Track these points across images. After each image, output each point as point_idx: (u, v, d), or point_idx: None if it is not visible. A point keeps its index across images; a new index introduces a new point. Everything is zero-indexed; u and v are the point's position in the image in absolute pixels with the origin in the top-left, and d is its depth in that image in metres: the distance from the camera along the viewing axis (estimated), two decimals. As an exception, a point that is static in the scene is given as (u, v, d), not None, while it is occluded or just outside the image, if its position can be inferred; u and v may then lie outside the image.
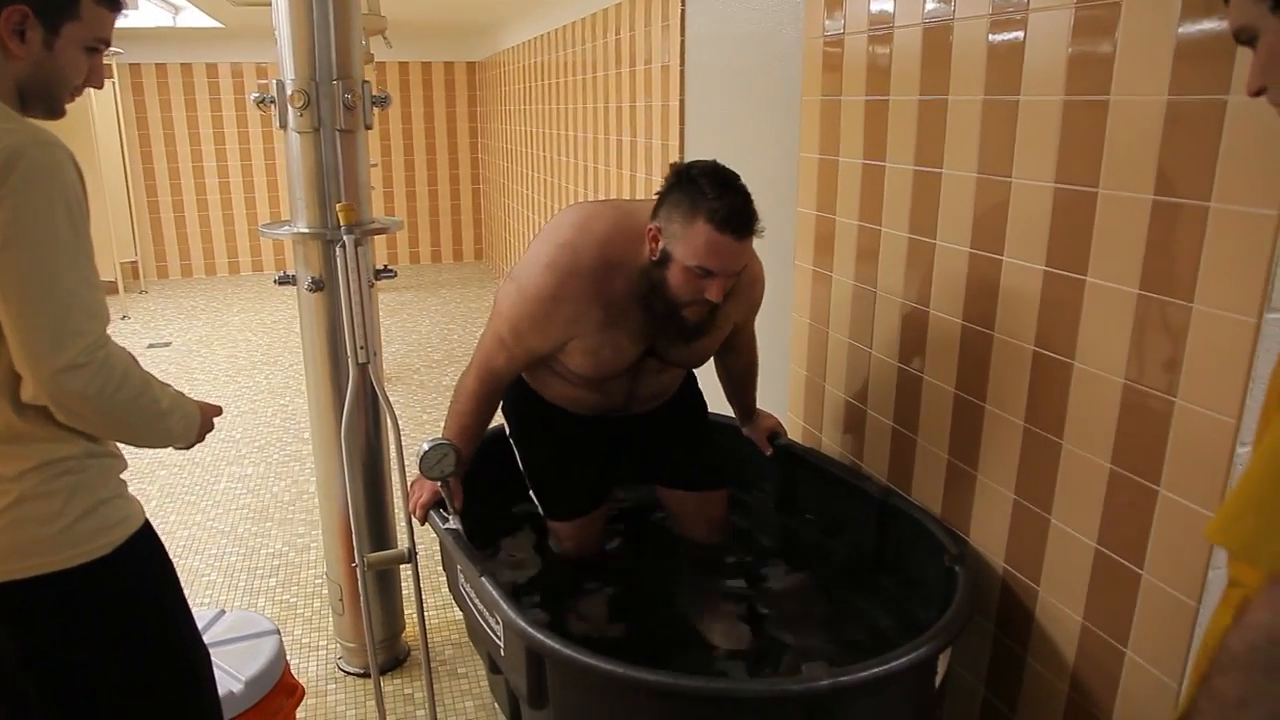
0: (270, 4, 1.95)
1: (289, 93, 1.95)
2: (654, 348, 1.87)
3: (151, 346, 5.72)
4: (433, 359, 5.39)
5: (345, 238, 1.88)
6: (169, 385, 1.31)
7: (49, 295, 1.10)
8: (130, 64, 7.28)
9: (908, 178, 1.92)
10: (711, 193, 1.62)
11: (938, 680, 1.55)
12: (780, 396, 2.56)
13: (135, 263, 7.29)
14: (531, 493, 2.09)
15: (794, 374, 2.49)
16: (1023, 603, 1.70)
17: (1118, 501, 1.47)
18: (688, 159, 3.22)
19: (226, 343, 5.82)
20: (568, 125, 4.95)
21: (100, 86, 1.31)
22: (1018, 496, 1.69)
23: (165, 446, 1.34)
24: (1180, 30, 1.29)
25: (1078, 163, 1.48)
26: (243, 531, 3.23)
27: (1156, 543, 1.40)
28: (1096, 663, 1.54)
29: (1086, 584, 1.54)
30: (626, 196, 3.97)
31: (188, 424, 1.33)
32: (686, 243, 1.64)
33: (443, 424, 1.99)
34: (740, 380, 2.22)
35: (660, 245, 1.68)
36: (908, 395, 1.99)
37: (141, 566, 1.32)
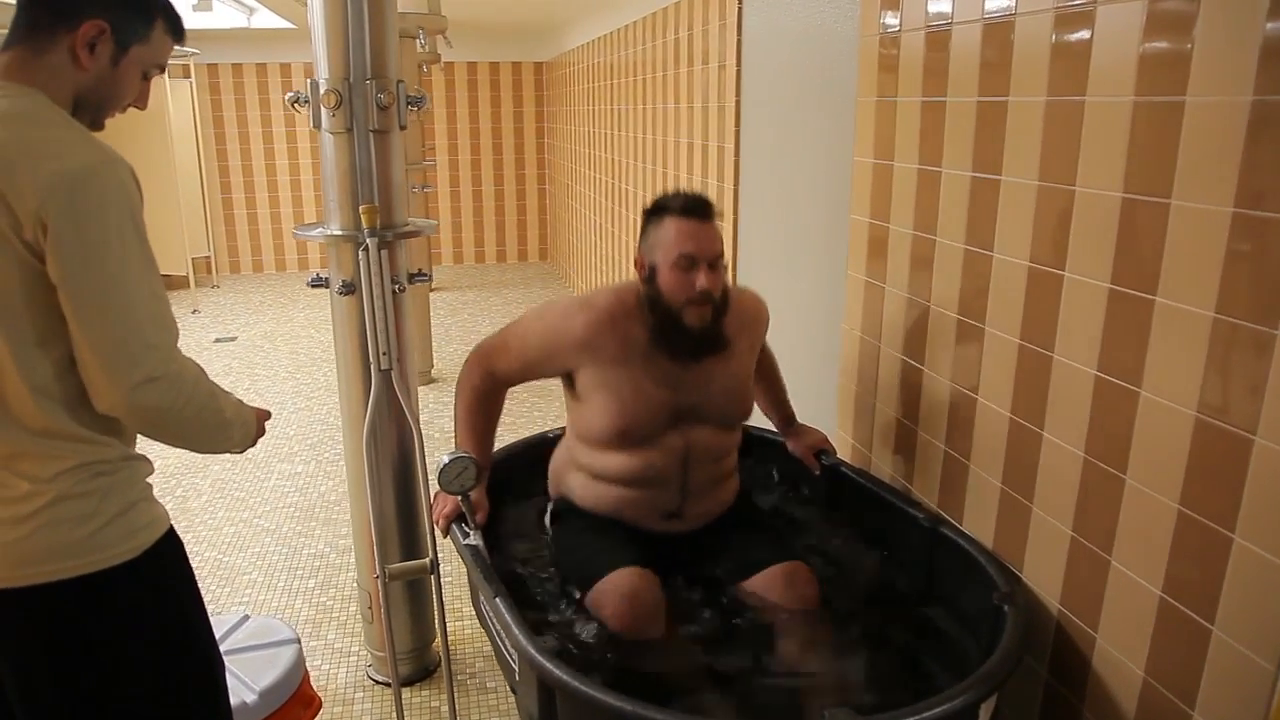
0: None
1: (322, 92, 1.90)
2: (684, 400, 1.85)
3: (218, 341, 5.83)
4: (489, 359, 5.37)
5: (368, 240, 1.83)
6: (230, 393, 1.33)
7: (126, 311, 1.13)
8: (207, 64, 7.46)
9: (964, 184, 1.79)
10: (669, 198, 1.85)
11: (980, 732, 1.43)
12: (829, 412, 2.44)
13: (208, 258, 7.47)
14: (566, 578, 1.88)
15: (843, 389, 2.37)
16: (1079, 649, 1.56)
17: (1186, 547, 1.32)
18: (742, 162, 3.15)
19: (289, 338, 5.90)
20: (629, 126, 4.88)
21: (144, 108, 1.34)
22: (1075, 534, 1.55)
23: (225, 453, 1.38)
24: (1268, 26, 1.15)
25: (1148, 170, 1.34)
26: (287, 531, 3.24)
27: (1230, 596, 1.25)
28: (1159, 722, 1.40)
29: (1150, 635, 1.40)
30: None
31: (246, 431, 1.37)
32: (662, 243, 1.81)
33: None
34: (768, 375, 2.19)
35: (646, 262, 1.84)
36: (961, 418, 1.86)
37: (167, 570, 1.31)
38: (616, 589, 1.69)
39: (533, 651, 1.43)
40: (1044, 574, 1.64)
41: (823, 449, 2.17)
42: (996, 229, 1.70)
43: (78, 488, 1.19)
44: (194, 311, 6.56)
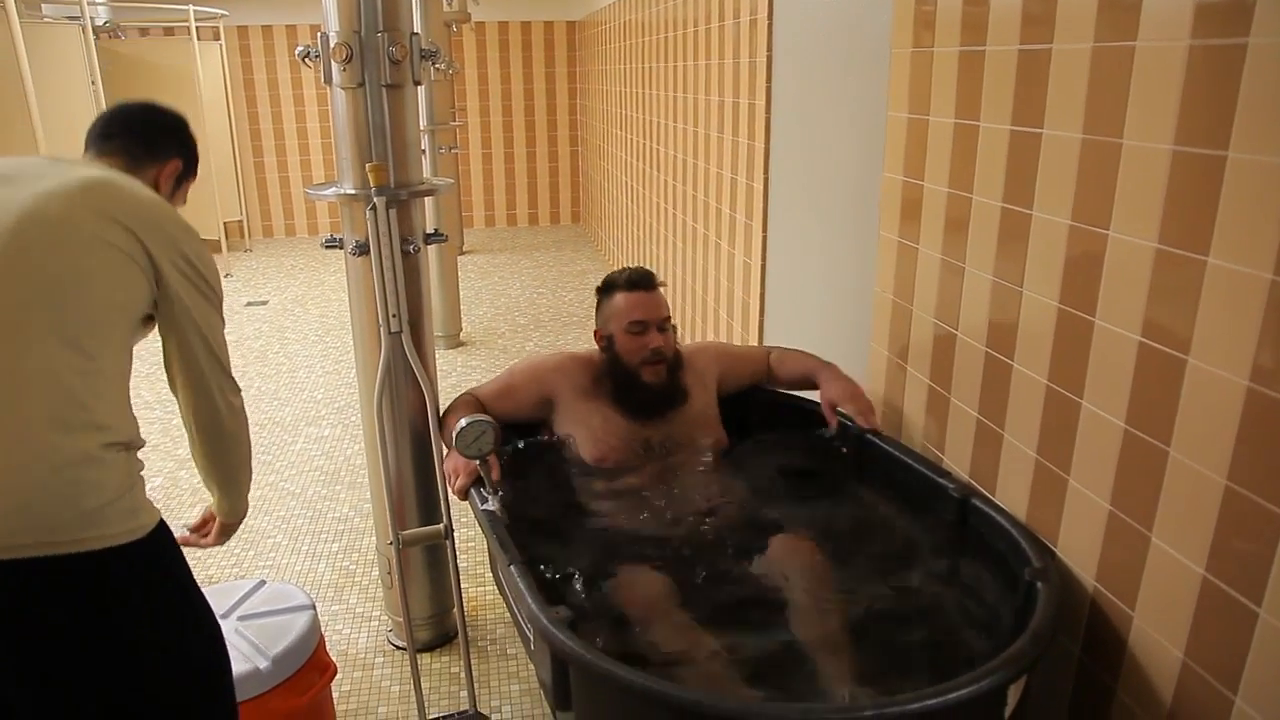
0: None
1: (331, 45, 1.85)
2: (653, 435, 2.03)
3: (249, 305, 5.86)
4: (518, 323, 5.35)
5: (375, 199, 1.78)
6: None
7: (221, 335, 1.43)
8: (236, 26, 7.44)
9: (1003, 139, 1.70)
10: (616, 275, 2.15)
11: (1007, 712, 1.37)
12: (858, 377, 2.36)
13: (240, 221, 7.49)
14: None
15: (874, 353, 2.30)
16: (1115, 628, 1.49)
17: (1233, 525, 1.24)
18: (773, 119, 3.05)
19: (319, 302, 5.91)
20: (660, 85, 4.78)
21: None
22: (1114, 508, 1.47)
23: (240, 492, 1.64)
24: (1341, -45, 1.05)
25: (1203, 120, 1.25)
26: (312, 494, 3.24)
27: None
28: (1199, 708, 1.33)
29: (1191, 616, 1.33)
30: (715, 160, 3.80)
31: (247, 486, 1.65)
32: (615, 314, 2.09)
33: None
34: (782, 376, 2.27)
35: (604, 334, 2.12)
36: (995, 384, 1.78)
37: (170, 550, 1.33)
38: (630, 585, 1.67)
39: (546, 622, 1.39)
40: (1079, 549, 1.57)
41: (836, 403, 2.12)
42: (1036, 186, 1.61)
43: (109, 458, 1.22)
44: (226, 275, 6.59)
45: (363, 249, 1.96)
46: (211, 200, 6.55)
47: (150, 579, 1.26)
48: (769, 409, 2.30)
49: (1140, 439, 1.40)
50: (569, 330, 5.18)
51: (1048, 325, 1.60)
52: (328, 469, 3.45)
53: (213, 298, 1.39)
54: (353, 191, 1.95)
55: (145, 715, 1.27)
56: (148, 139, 1.49)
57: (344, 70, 1.86)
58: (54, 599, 1.17)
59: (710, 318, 3.94)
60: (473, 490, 1.84)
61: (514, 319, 5.44)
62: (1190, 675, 1.34)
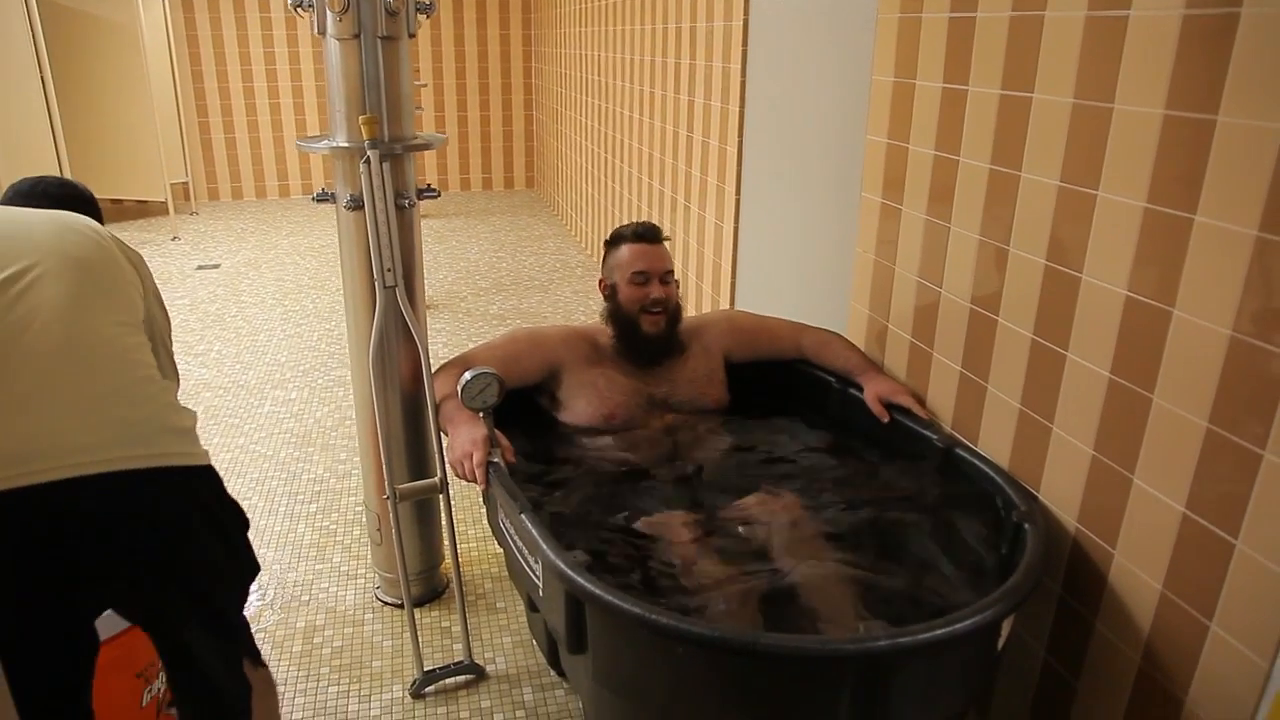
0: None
1: (329, -4, 1.84)
2: (656, 391, 2.12)
3: (200, 268, 5.74)
4: (480, 287, 5.33)
5: (369, 152, 1.78)
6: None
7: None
8: (181, -21, 7.20)
9: (992, 103, 1.77)
10: (623, 228, 2.21)
11: (1000, 644, 1.46)
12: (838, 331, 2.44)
13: (186, 184, 7.30)
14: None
15: (855, 312, 2.37)
16: (1095, 565, 1.59)
17: (1214, 464, 1.34)
18: (749, 86, 3.09)
19: (275, 265, 5.81)
20: (624, 48, 4.77)
21: None
22: (1097, 453, 1.57)
23: None
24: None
25: (1195, 86, 1.32)
26: (285, 456, 3.23)
27: (1257, 511, 1.28)
28: (1175, 634, 1.43)
29: (1170, 551, 1.43)
30: (684, 124, 3.83)
31: None
32: (619, 264, 2.18)
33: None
34: (824, 355, 2.28)
35: (608, 283, 2.20)
36: (980, 339, 1.86)
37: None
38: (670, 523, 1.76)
39: (563, 565, 1.44)
40: (1062, 493, 1.66)
41: (893, 400, 2.05)
42: (1026, 148, 1.68)
43: (173, 393, 1.47)
44: (173, 239, 6.43)
45: (356, 203, 1.96)
46: (157, 161, 6.37)
47: (224, 493, 1.45)
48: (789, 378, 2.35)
49: (1124, 387, 1.49)
50: (531, 294, 5.19)
51: (1034, 281, 1.68)
52: (298, 431, 3.43)
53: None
54: (346, 145, 1.94)
55: (229, 607, 1.46)
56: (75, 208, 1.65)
57: (340, 20, 1.85)
58: (175, 502, 1.33)
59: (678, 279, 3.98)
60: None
61: (475, 283, 5.42)
62: (1168, 605, 1.44)
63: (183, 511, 1.34)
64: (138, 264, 1.55)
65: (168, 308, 1.67)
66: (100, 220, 1.65)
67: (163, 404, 1.38)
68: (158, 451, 1.31)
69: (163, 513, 1.31)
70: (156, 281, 1.62)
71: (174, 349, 1.67)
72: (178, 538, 1.33)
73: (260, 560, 1.55)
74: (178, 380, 1.65)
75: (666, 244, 2.22)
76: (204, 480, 1.39)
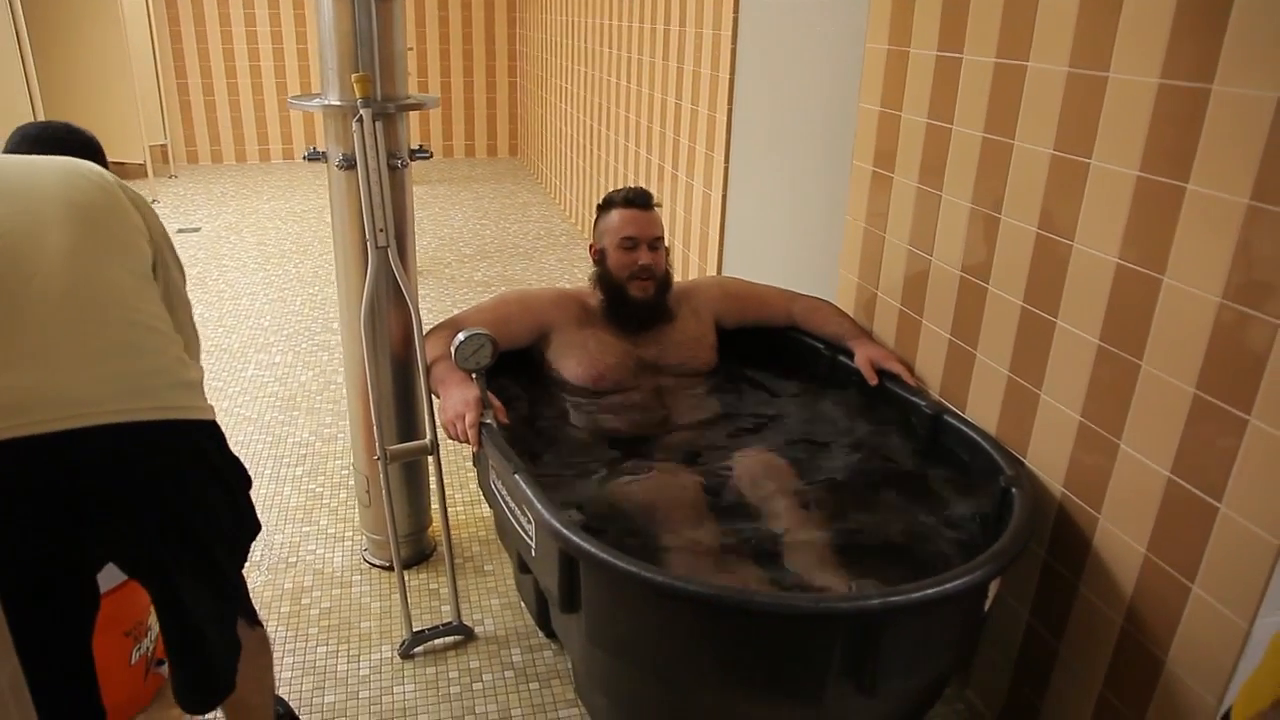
0: None
1: (321, -49, 1.80)
2: (645, 354, 2.12)
3: (181, 231, 5.66)
4: (464, 254, 5.30)
5: (362, 111, 1.76)
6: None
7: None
8: (159, -65, 7.04)
9: (987, 71, 1.77)
10: (614, 193, 2.21)
11: (987, 604, 1.48)
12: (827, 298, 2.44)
13: (165, 146, 7.18)
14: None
15: (844, 280, 2.38)
16: (1080, 529, 1.62)
17: (1200, 429, 1.36)
18: (740, 53, 3.07)
19: (256, 230, 5.75)
20: (609, 13, 4.72)
21: None
22: (1084, 419, 1.59)
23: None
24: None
25: (1190, 55, 1.33)
26: (269, 420, 3.21)
27: (1240, 475, 1.30)
28: (1158, 596, 1.46)
29: (1154, 514, 1.45)
30: (673, 91, 3.81)
31: None
32: (609, 229, 2.16)
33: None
34: (813, 321, 2.29)
35: (598, 248, 2.19)
36: (969, 307, 1.88)
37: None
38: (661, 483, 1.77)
39: (558, 524, 1.44)
40: (1048, 458, 1.69)
41: (883, 365, 2.07)
42: (1020, 115, 1.69)
43: (180, 348, 1.42)
44: (153, 201, 6.34)
45: (349, 162, 1.94)
46: (136, 123, 6.26)
47: (227, 449, 1.44)
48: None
49: (1113, 354, 1.51)
50: (516, 261, 5.16)
51: (1025, 249, 1.70)
52: (283, 395, 3.41)
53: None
54: (339, 103, 1.92)
55: (228, 563, 1.45)
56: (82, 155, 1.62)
57: (334, -23, 1.82)
58: (177, 455, 1.32)
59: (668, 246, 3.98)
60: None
61: (459, 249, 5.39)
62: (1151, 567, 1.47)
63: (185, 465, 1.33)
64: (144, 211, 1.52)
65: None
66: (106, 167, 1.62)
67: (169, 357, 1.36)
68: (161, 404, 1.30)
69: (164, 464, 1.30)
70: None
71: None
72: (179, 489, 1.33)
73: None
74: (195, 335, 1.62)
75: (657, 210, 2.22)
76: (207, 434, 1.38)
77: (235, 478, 1.44)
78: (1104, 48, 1.48)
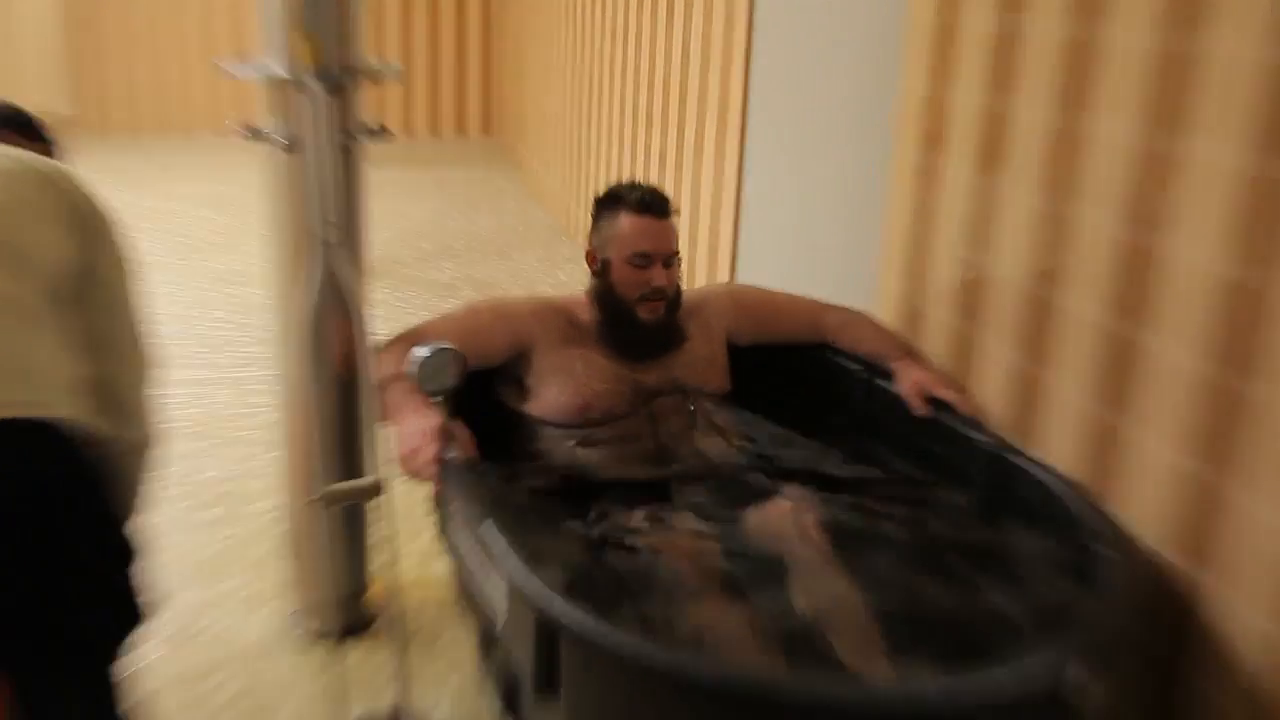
0: None
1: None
2: (645, 380, 2.07)
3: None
4: (424, 251, 5.29)
5: (311, 82, 1.73)
6: None
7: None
8: None
9: (1053, 40, 1.74)
10: (624, 191, 2.10)
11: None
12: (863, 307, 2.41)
13: (69, 117, 7.15)
14: None
15: (883, 289, 2.36)
16: (1182, 599, 1.57)
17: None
18: (757, 24, 3.05)
19: (173, 217, 5.76)
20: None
21: None
22: (1188, 458, 1.54)
23: None
24: None
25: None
26: (178, 451, 3.09)
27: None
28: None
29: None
30: (676, 59, 3.80)
31: None
32: (617, 238, 2.06)
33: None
34: (848, 337, 2.26)
35: (598, 257, 2.10)
36: (1036, 322, 1.85)
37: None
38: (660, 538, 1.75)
39: (536, 587, 1.39)
40: (1142, 508, 1.63)
41: (934, 392, 2.03)
42: (1097, 86, 1.66)
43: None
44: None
45: (295, 144, 1.91)
46: (25, 89, 6.23)
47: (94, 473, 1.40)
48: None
49: (1224, 383, 1.47)
50: (486, 260, 5.15)
51: (1107, 251, 1.68)
52: (197, 419, 3.38)
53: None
54: (285, 73, 1.89)
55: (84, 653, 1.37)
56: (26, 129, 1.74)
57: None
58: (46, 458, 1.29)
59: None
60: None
61: (418, 246, 5.37)
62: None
63: (10, 484, 1.24)
64: (74, 208, 1.51)
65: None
66: (46, 142, 1.66)
67: (19, 342, 1.32)
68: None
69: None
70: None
71: None
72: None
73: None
74: (139, 353, 1.63)
75: (675, 218, 2.13)
76: (54, 441, 1.30)
77: (101, 518, 1.38)
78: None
